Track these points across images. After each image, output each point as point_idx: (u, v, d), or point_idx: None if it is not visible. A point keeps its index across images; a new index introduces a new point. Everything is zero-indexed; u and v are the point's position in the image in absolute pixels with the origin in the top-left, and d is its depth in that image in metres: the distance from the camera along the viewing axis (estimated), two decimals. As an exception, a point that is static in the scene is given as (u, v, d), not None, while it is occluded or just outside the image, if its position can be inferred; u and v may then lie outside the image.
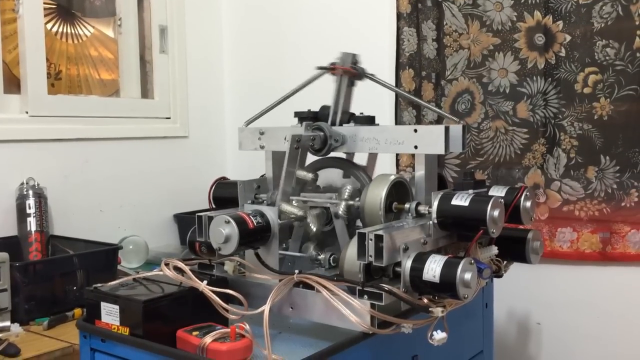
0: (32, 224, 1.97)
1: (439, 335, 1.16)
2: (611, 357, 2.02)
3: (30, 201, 1.98)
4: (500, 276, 1.47)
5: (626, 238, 1.94)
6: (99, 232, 2.18)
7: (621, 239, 1.94)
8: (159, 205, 2.52)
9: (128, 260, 2.23)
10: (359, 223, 1.39)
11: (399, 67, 2.27)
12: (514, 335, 2.17)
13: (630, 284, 1.97)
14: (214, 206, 1.58)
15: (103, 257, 1.92)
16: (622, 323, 1.99)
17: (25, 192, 2.00)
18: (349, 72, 1.47)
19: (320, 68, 1.49)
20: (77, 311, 1.75)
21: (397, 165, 2.30)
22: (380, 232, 1.13)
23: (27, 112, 2.12)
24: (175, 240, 2.56)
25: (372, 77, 1.50)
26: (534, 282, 2.10)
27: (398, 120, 2.28)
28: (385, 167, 2.23)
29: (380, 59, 2.29)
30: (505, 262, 1.47)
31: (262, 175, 1.56)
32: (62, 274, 1.81)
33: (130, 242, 2.27)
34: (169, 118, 2.60)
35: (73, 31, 2.56)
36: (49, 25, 2.45)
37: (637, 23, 1.88)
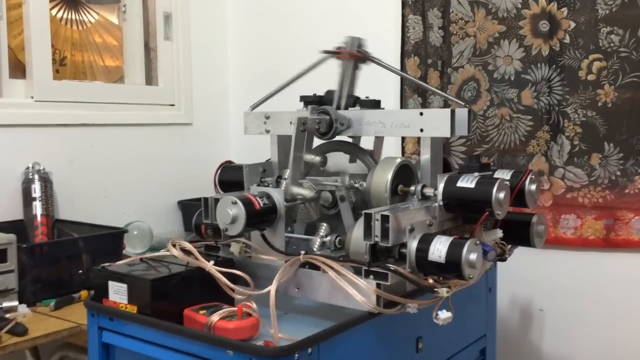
0: (37, 207, 1.98)
1: (444, 315, 1.17)
2: (614, 344, 2.03)
3: (36, 185, 1.99)
4: (504, 260, 1.48)
5: (630, 225, 1.94)
6: (103, 218, 2.18)
7: (625, 225, 1.95)
8: (163, 192, 2.53)
9: (132, 246, 2.24)
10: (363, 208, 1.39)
11: (404, 54, 2.28)
12: (517, 321, 2.18)
13: (633, 270, 1.97)
14: (219, 190, 1.59)
15: (109, 241, 1.93)
16: (625, 309, 2.00)
17: (30, 177, 2.01)
18: (355, 55, 1.48)
19: (326, 52, 1.50)
20: (84, 293, 1.76)
21: (403, 152, 2.30)
22: (386, 213, 1.14)
23: (32, 97, 2.12)
24: (179, 227, 2.57)
25: (377, 61, 1.50)
26: (537, 269, 2.11)
27: (403, 108, 2.28)
28: (391, 154, 2.23)
29: (385, 46, 2.28)
30: (509, 246, 1.48)
31: (267, 160, 1.57)
32: (68, 257, 1.82)
33: (134, 227, 2.28)
34: (173, 105, 2.61)
35: (77, 17, 2.56)
36: (53, 11, 2.46)
37: (642, 10, 1.88)
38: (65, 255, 1.82)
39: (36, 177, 2.01)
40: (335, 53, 1.49)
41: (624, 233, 1.95)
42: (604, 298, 2.03)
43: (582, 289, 2.06)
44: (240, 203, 1.24)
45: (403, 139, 2.31)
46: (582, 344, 2.09)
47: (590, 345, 2.07)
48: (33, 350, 1.87)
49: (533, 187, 1.39)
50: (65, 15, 2.52)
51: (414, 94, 2.27)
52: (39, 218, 1.98)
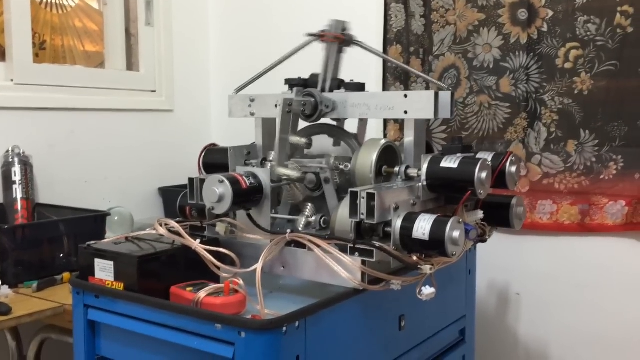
0: (17, 191, 1.96)
1: (428, 290, 1.20)
2: (588, 326, 2.08)
3: (16, 169, 1.97)
4: (484, 241, 1.51)
5: (604, 210, 1.99)
6: (83, 203, 2.16)
7: (599, 210, 2.00)
8: (144, 178, 2.52)
9: (113, 231, 2.22)
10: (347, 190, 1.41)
11: (386, 43, 2.30)
12: (494, 304, 2.23)
13: (607, 254, 2.02)
14: (203, 172, 1.60)
15: (91, 224, 1.92)
16: (600, 292, 2.05)
17: (10, 160, 1.99)
18: (339, 38, 1.50)
19: (310, 35, 1.51)
20: (66, 275, 1.76)
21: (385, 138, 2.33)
22: (372, 191, 1.17)
23: (12, 80, 2.10)
24: (160, 214, 2.56)
25: (361, 44, 1.52)
26: (514, 254, 2.15)
27: (385, 95, 2.30)
28: (371, 140, 2.25)
29: (368, 34, 2.28)
30: (489, 227, 1.51)
31: (252, 143, 1.58)
32: (50, 240, 1.81)
33: (115, 213, 2.27)
34: (155, 91, 2.60)
35: (57, 1, 2.53)
36: (33, -6, 2.42)
37: (617, 0, 1.92)
38: (47, 238, 1.81)
39: (16, 160, 1.98)
40: (320, 36, 1.50)
41: (599, 218, 2.00)
42: (578, 282, 2.08)
43: (557, 273, 2.11)
44: (227, 182, 1.25)
45: (385, 126, 2.34)
46: (558, 326, 2.14)
47: (565, 328, 2.12)
48: (14, 333, 1.85)
49: (513, 168, 1.42)
50: (45, -1, 2.50)
51: (396, 81, 2.29)
52: (19, 201, 1.96)
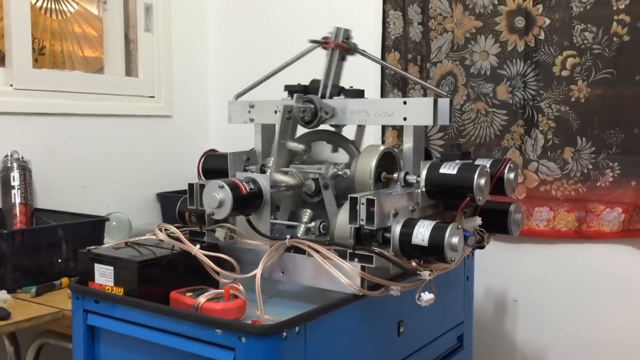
0: (16, 196, 1.96)
1: (427, 296, 1.21)
2: (585, 332, 2.09)
3: (15, 173, 1.97)
4: (482, 247, 1.52)
5: (601, 217, 2.01)
6: (81, 208, 2.16)
7: (596, 217, 2.01)
8: (142, 184, 2.53)
9: (111, 237, 2.22)
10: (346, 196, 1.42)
11: (384, 49, 2.31)
12: (492, 311, 2.24)
13: (603, 261, 2.03)
14: (202, 178, 1.60)
15: (90, 229, 1.92)
16: (596, 299, 2.06)
17: (9, 165, 1.99)
18: (342, 46, 1.51)
19: (313, 41, 1.52)
20: (65, 280, 1.76)
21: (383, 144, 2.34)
22: (371, 197, 1.17)
23: (11, 85, 2.10)
24: (158, 219, 2.56)
25: (364, 53, 1.53)
26: (511, 260, 2.16)
27: (383, 102, 2.31)
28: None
29: (366, 41, 2.28)
30: (487, 233, 1.52)
31: (251, 149, 1.59)
32: (48, 245, 1.81)
33: (114, 218, 2.27)
34: (153, 97, 2.60)
35: (57, 7, 2.54)
36: (33, 0, 2.43)
37: (614, 9, 1.94)
38: (45, 243, 1.81)
39: (15, 165, 1.98)
40: (322, 43, 1.51)
41: (595, 225, 2.02)
42: (575, 288, 2.09)
43: (554, 279, 2.12)
44: (227, 187, 1.25)
45: (383, 132, 2.35)
46: (555, 333, 2.14)
47: (562, 334, 2.13)
48: (12, 338, 1.85)
49: (512, 175, 1.43)
50: (44, 4, 2.50)
51: (394, 88, 2.30)
52: (17, 206, 1.96)
